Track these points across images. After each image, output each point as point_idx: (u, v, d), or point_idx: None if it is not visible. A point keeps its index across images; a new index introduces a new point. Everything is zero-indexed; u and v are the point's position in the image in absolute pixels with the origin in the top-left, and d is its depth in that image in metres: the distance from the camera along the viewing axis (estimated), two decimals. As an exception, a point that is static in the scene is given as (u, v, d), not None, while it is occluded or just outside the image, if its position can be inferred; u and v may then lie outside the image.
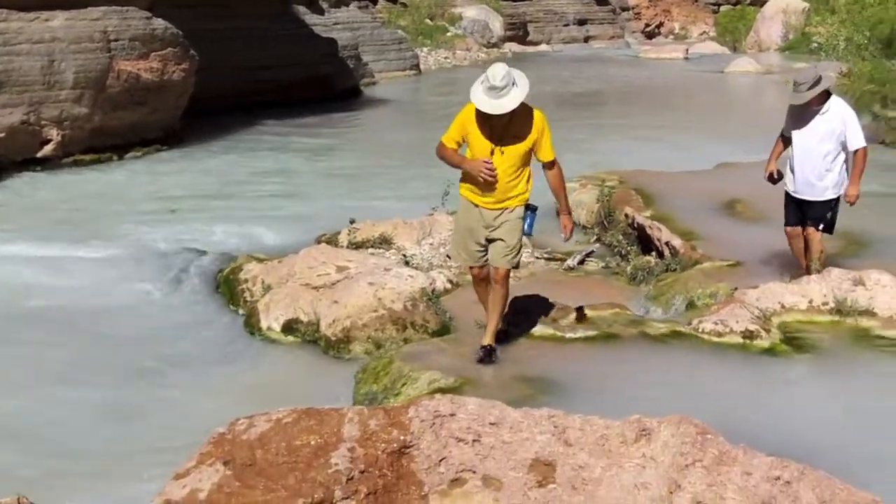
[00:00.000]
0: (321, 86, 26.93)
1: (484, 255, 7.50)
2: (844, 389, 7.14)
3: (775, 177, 9.20)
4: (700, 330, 8.05)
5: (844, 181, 8.97)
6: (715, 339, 7.92)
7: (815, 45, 23.42)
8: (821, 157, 8.85)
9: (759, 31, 50.99)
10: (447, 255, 9.41)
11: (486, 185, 7.22)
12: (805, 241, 9.13)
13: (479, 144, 7.20)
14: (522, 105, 7.07)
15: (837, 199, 9.06)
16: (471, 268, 7.71)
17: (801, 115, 8.86)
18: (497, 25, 49.94)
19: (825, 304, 8.54)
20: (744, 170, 15.49)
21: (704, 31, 62.75)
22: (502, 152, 7.15)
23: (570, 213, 7.68)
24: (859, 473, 5.46)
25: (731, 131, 20.00)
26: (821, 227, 9.04)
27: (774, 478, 3.84)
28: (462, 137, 7.30)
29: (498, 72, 6.97)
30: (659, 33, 65.09)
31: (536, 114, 7.26)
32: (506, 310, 7.73)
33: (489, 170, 7.13)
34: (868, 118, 19.96)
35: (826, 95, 8.78)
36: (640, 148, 19.61)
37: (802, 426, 6.46)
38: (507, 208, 7.33)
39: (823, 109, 8.78)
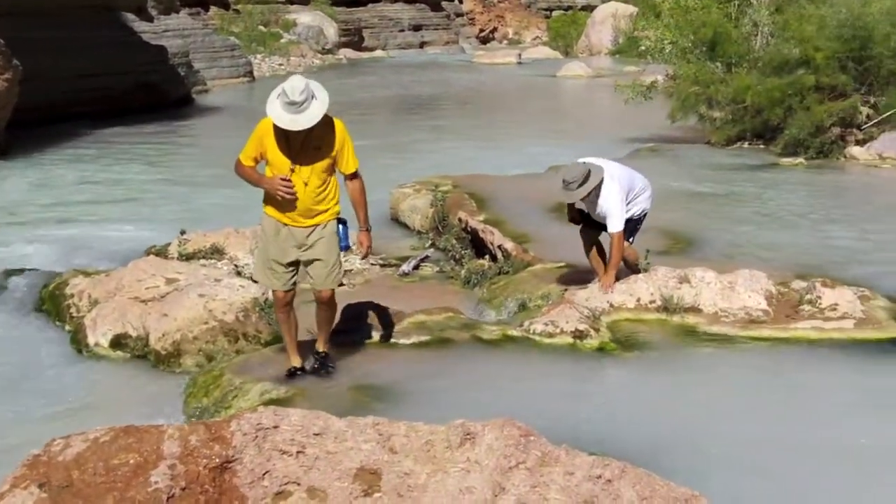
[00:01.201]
0: (151, 94, 26.48)
1: (292, 278, 7.18)
2: (672, 386, 7.28)
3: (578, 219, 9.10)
4: (531, 332, 8.12)
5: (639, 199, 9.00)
6: (546, 340, 8.01)
7: (643, 48, 23.91)
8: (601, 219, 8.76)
9: (589, 36, 52.13)
10: (251, 278, 8.83)
11: (289, 202, 6.89)
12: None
13: (279, 160, 6.86)
14: (323, 116, 6.77)
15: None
16: (275, 291, 7.30)
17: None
18: (332, 31, 49.86)
19: (652, 302, 8.72)
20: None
21: (537, 36, 63.77)
22: (304, 167, 6.84)
23: (368, 230, 7.27)
24: (684, 468, 5.60)
25: (563, 134, 20.37)
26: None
27: (596, 476, 3.88)
28: (260, 154, 6.95)
29: (296, 85, 6.67)
30: (493, 38, 65.90)
31: (337, 124, 6.96)
32: (333, 322, 7.51)
33: (287, 187, 6.81)
34: (694, 119, 20.59)
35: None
36: (476, 151, 19.80)
37: (631, 423, 6.57)
38: (318, 224, 7.01)
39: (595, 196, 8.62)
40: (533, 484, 3.89)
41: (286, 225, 7.04)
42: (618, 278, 8.84)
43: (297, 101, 6.65)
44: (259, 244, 7.63)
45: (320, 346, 7.43)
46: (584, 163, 8.65)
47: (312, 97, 6.72)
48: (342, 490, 4.08)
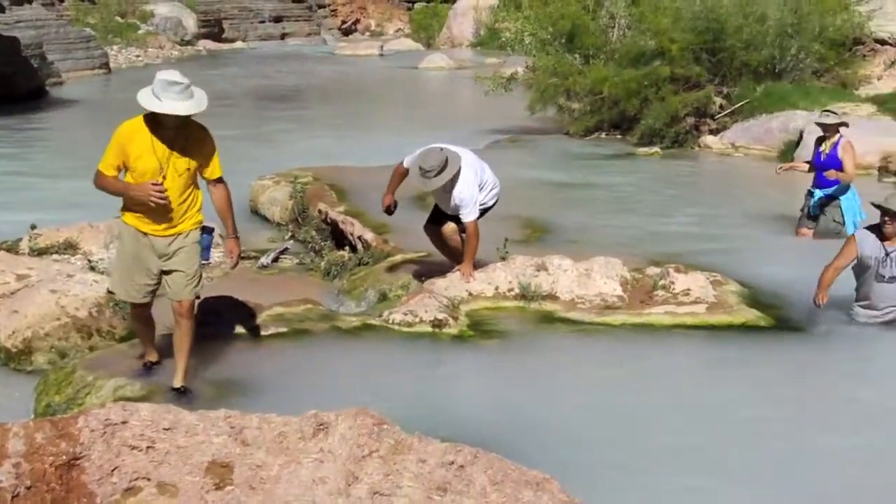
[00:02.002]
0: (3, 86, 25.71)
1: (153, 290, 6.85)
2: (528, 372, 7.37)
3: (392, 209, 9.04)
4: (391, 321, 8.12)
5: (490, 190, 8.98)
6: (405, 329, 8.02)
7: (504, 40, 24.09)
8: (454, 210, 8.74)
9: (451, 28, 52.30)
10: (108, 290, 8.23)
11: (157, 210, 6.51)
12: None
13: (145, 165, 6.45)
14: (191, 120, 6.51)
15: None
16: (133, 304, 6.97)
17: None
18: (191, 22, 49.06)
19: (511, 290, 8.80)
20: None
21: (400, 28, 63.73)
22: (172, 173, 6.50)
23: (237, 238, 7.04)
24: (538, 452, 5.68)
25: (425, 125, 20.36)
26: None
27: (449, 463, 3.90)
28: (122, 162, 6.52)
29: (173, 75, 6.35)
30: (355, 30, 65.66)
31: (204, 128, 6.68)
32: (193, 343, 6.94)
33: (159, 192, 6.42)
34: (553, 110, 20.82)
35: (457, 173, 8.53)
36: (337, 143, 19.71)
37: (488, 409, 6.63)
38: (180, 233, 6.65)
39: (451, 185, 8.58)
40: (386, 472, 3.89)
41: (146, 234, 6.66)
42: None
43: (181, 83, 6.30)
44: (117, 255, 7.23)
45: (178, 381, 6.85)
46: (442, 149, 8.62)
47: (190, 89, 6.39)
48: (193, 484, 4.02)
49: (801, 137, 16.52)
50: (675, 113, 18.20)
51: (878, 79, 19.93)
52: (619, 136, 19.41)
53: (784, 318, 8.57)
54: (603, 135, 19.67)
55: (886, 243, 8.21)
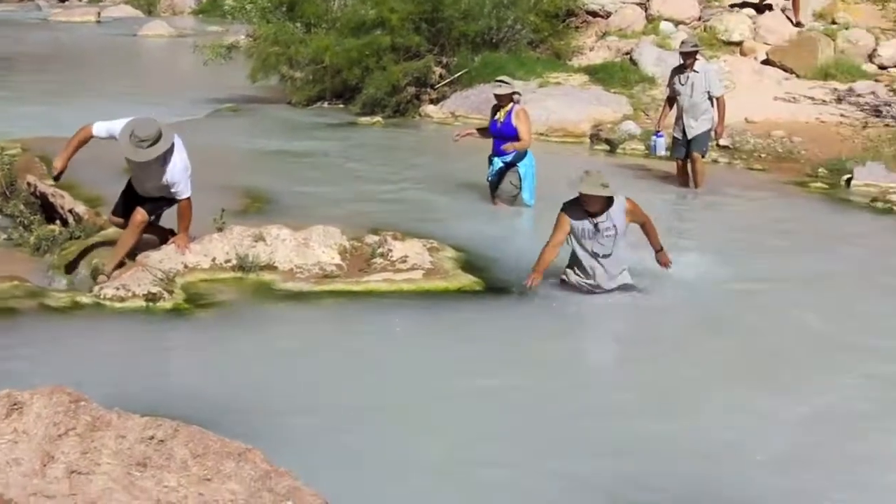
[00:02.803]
0: None
1: None
2: (245, 343, 7.33)
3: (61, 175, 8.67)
4: (102, 297, 7.91)
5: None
6: (118, 304, 7.84)
7: (226, 8, 23.67)
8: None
9: (172, -6, 50.95)
10: None
11: None
12: None
13: None
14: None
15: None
16: None
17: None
18: None
19: (228, 261, 8.72)
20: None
21: (120, -6, 61.63)
22: None
23: None
24: (249, 422, 5.67)
25: (143, 95, 19.81)
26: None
27: (149, 438, 3.83)
28: None
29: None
30: (70, -4, 63.03)
31: None
32: None
33: None
34: (276, 79, 20.63)
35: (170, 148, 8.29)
36: (49, 113, 18.85)
37: (201, 382, 6.55)
38: None
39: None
40: (83, 450, 3.78)
41: None
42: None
43: None
44: None
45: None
46: (156, 120, 8.38)
47: None
48: None
49: (517, 106, 17.01)
50: (396, 82, 18.34)
51: (591, 49, 20.63)
52: (341, 106, 19.41)
53: (497, 281, 8.82)
54: (326, 104, 19.63)
55: (592, 217, 8.42)
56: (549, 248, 8.56)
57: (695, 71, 12.75)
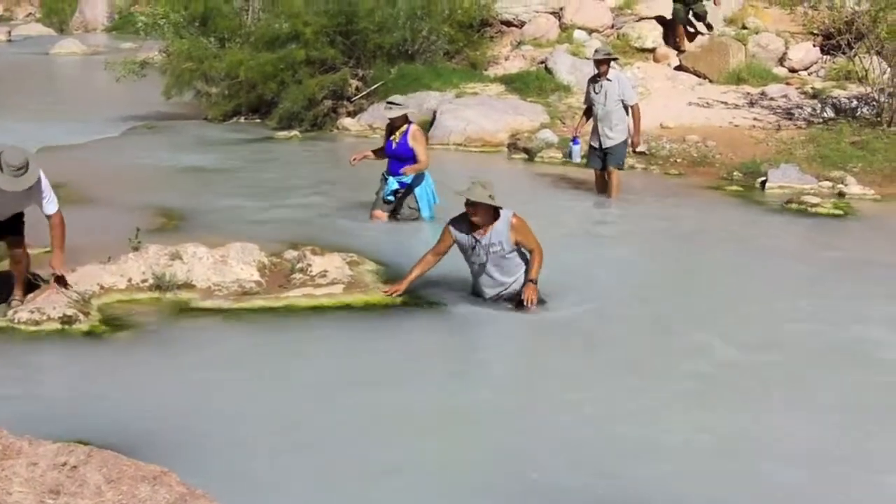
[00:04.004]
0: None
1: None
2: (162, 363, 7.20)
3: None
4: (16, 321, 7.76)
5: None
6: (32, 328, 7.67)
7: (140, 25, 23.40)
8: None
9: (84, 12, 50.39)
10: None
11: None
12: None
13: None
14: None
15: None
16: None
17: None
18: None
19: (145, 281, 8.61)
20: (65, 152, 15.28)
21: (31, 13, 60.76)
22: None
23: None
24: (166, 443, 5.61)
25: (56, 113, 19.56)
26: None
27: (62, 464, 3.76)
28: None
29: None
30: (-19, 15, 62.09)
31: None
32: None
33: None
34: (191, 95, 20.47)
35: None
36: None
37: (112, 406, 6.41)
38: None
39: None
40: (-6, 479, 3.71)
41: None
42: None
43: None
44: None
45: None
46: (21, 147, 8.12)
47: None
48: None
49: (434, 117, 17.05)
50: (312, 96, 18.30)
51: (506, 59, 20.75)
52: (258, 121, 19.33)
53: (417, 295, 8.78)
54: (242, 119, 19.55)
55: (476, 232, 8.40)
56: (429, 255, 8.66)
57: (608, 79, 12.83)
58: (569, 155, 15.10)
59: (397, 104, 11.34)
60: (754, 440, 6.21)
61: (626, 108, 12.86)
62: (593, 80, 13.11)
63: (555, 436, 6.21)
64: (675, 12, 19.65)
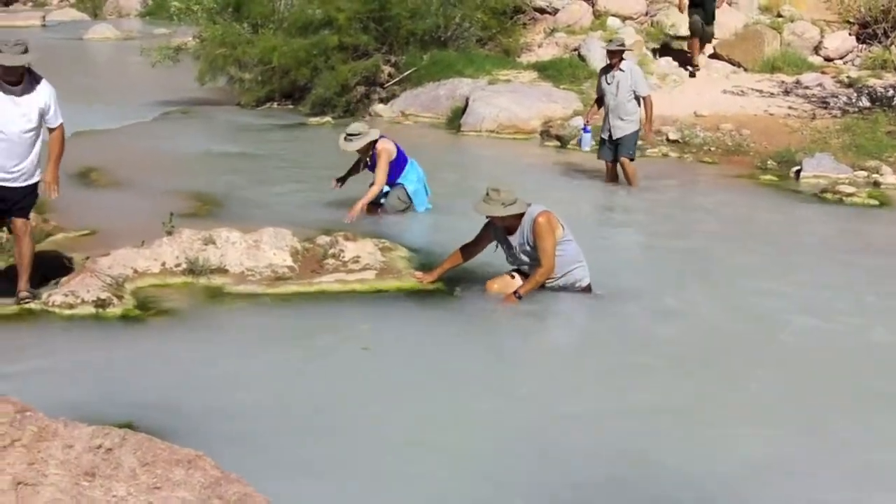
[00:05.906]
0: None
1: None
2: (196, 348, 7.24)
3: None
4: (51, 304, 7.80)
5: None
6: (67, 311, 7.72)
7: (173, 10, 23.40)
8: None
9: (118, -3, 50.53)
10: None
11: None
12: None
13: None
14: None
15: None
16: None
17: None
18: None
19: (178, 265, 8.64)
20: (99, 137, 15.34)
21: (64, -1, 61.06)
22: None
23: None
24: (204, 429, 5.62)
25: (90, 98, 19.56)
26: None
27: (97, 447, 3.77)
28: None
29: None
30: (17, 0, 62.41)
31: None
32: None
33: None
34: (224, 81, 20.50)
35: None
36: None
37: (147, 389, 6.44)
38: None
39: None
40: (30, 461, 3.72)
41: None
42: None
43: None
44: None
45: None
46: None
47: None
48: None
49: (467, 104, 17.01)
50: (345, 82, 18.28)
51: (539, 46, 20.68)
52: (291, 107, 19.32)
53: (449, 281, 8.77)
54: (275, 105, 19.54)
55: (508, 234, 8.39)
56: (456, 253, 8.68)
57: (620, 70, 12.74)
58: (579, 143, 15.11)
59: (356, 134, 11.06)
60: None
61: (638, 99, 12.77)
62: (605, 70, 13.06)
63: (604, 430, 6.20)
64: (692, 24, 19.15)
